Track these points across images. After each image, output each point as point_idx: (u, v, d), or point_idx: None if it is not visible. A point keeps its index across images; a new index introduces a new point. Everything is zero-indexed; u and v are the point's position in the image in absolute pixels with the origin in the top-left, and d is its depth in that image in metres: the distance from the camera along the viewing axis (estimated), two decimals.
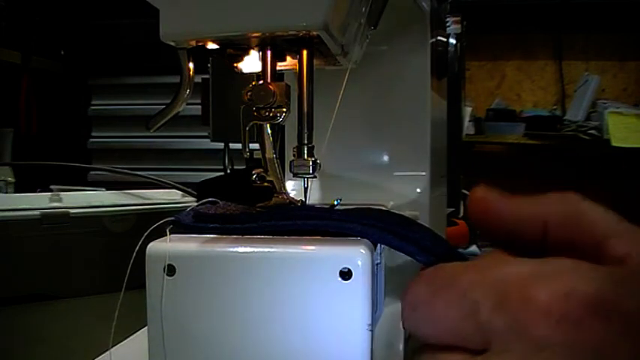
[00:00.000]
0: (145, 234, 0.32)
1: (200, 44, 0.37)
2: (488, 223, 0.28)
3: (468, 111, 2.25)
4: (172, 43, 0.37)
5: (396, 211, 0.35)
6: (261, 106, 0.36)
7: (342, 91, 0.39)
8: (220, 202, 0.36)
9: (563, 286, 0.22)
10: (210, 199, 0.36)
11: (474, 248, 0.97)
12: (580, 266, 0.23)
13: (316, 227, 0.31)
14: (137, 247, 0.32)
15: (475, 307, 0.23)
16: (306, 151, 0.38)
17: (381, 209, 0.35)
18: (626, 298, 0.22)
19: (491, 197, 0.28)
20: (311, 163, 0.38)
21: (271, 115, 0.36)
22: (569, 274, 0.23)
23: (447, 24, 0.76)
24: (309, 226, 0.32)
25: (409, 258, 0.29)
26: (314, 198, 0.58)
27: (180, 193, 0.86)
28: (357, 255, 0.30)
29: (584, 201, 0.26)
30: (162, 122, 0.41)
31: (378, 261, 0.34)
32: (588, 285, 0.22)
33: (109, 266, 0.72)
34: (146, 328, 0.32)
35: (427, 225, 0.33)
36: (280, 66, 0.38)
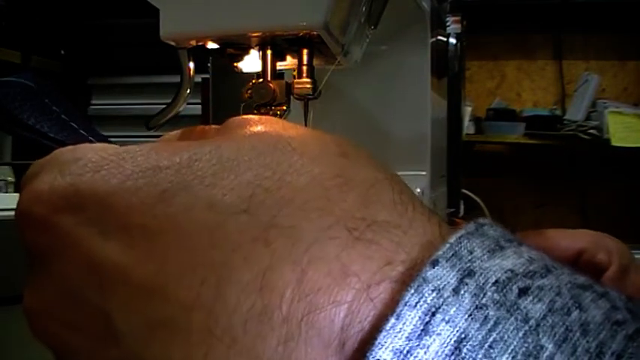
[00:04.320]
0: None
1: (200, 44, 0.37)
2: None
3: (467, 111, 2.25)
4: (172, 43, 0.37)
5: None
6: (261, 104, 0.36)
7: (321, 84, 0.39)
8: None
9: (38, 185, 0.21)
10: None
11: None
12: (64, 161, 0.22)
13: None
14: None
15: None
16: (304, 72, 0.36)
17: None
18: (99, 181, 0.21)
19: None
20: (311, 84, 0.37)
21: (271, 113, 0.36)
22: (50, 171, 0.22)
23: (447, 24, 0.76)
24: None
25: None
26: None
27: None
28: None
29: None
30: (162, 122, 0.42)
31: None
32: (62, 179, 0.21)
33: None
34: None
35: None
36: (280, 66, 0.38)
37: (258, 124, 0.23)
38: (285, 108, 0.36)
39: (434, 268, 0.18)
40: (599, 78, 2.40)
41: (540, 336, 0.16)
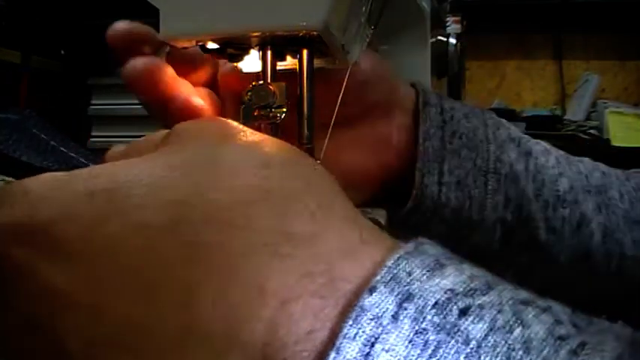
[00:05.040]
0: None
1: (200, 44, 0.37)
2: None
3: None
4: (172, 43, 0.37)
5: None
6: (261, 105, 0.36)
7: (342, 91, 0.39)
8: None
9: None
10: None
11: None
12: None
13: None
14: None
15: None
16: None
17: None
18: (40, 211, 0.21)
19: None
20: None
21: (271, 115, 0.36)
22: None
23: (447, 24, 0.76)
24: None
25: None
26: None
27: None
28: None
29: None
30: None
31: None
32: (11, 212, 0.22)
33: None
34: None
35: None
36: (280, 66, 0.38)
37: (195, 137, 0.24)
38: (285, 110, 0.36)
39: (372, 294, 0.17)
40: (599, 78, 2.40)
41: (482, 357, 0.16)
